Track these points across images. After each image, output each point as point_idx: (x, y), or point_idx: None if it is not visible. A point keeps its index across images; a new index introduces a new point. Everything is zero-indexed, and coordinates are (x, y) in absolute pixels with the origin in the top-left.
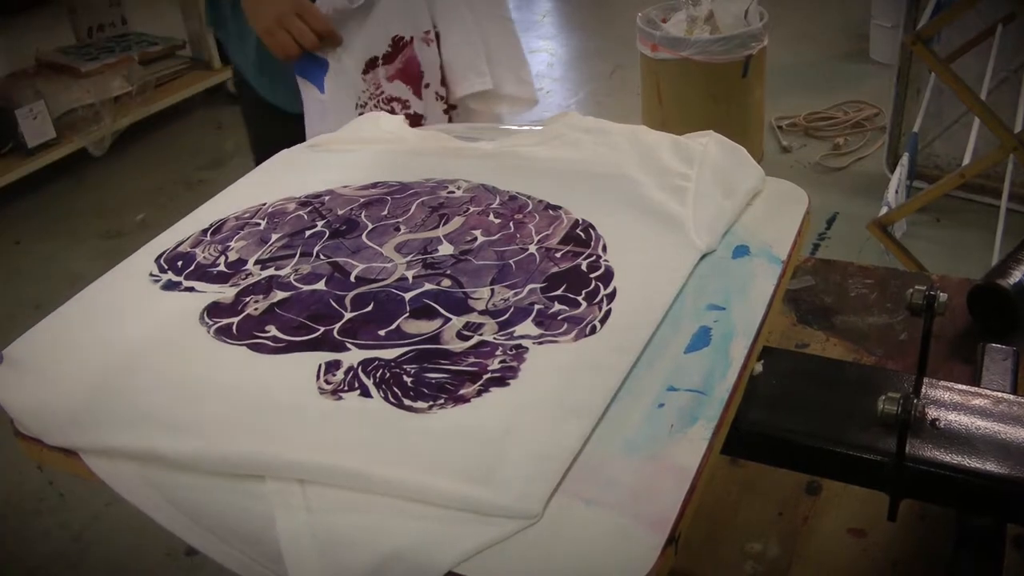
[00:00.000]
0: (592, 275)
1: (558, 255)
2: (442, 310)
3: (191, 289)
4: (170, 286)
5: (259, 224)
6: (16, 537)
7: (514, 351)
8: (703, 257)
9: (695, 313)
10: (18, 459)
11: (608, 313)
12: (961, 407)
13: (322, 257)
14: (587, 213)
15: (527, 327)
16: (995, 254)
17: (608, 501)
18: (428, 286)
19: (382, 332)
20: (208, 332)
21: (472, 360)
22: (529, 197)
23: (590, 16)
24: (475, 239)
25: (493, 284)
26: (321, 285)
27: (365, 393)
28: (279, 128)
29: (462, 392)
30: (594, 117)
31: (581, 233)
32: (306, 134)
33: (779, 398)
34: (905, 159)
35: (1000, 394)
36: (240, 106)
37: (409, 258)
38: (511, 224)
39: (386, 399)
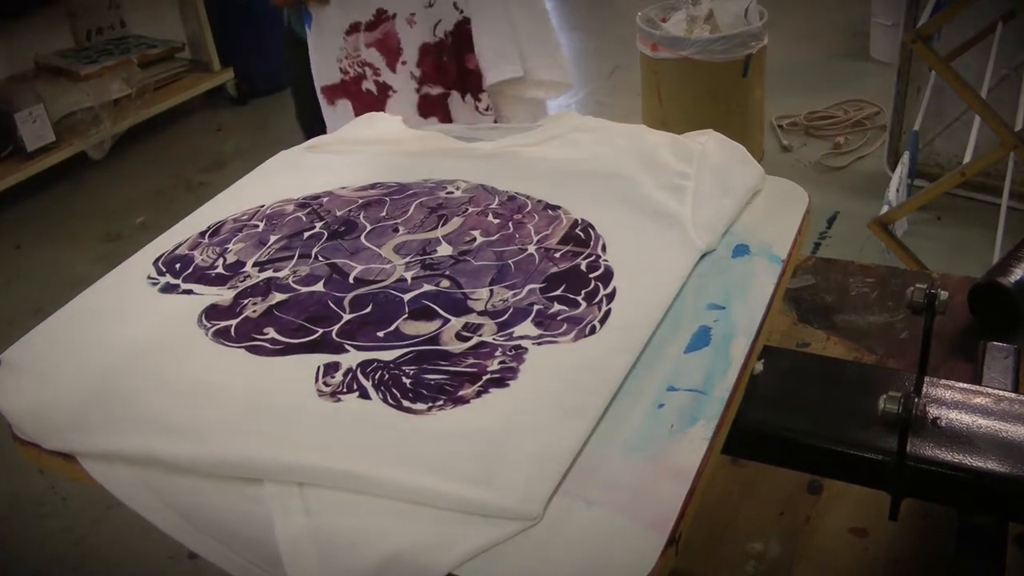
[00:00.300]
0: (591, 275)
1: (557, 255)
2: (441, 311)
3: (189, 291)
4: (168, 289)
5: (257, 226)
6: (18, 540)
7: (513, 352)
8: (703, 256)
9: (695, 313)
10: (20, 463)
11: (608, 313)
12: (962, 406)
13: (321, 259)
14: (586, 213)
15: (526, 327)
16: (996, 252)
17: (608, 502)
18: (427, 287)
19: (381, 333)
20: (206, 334)
21: (471, 361)
22: (528, 197)
23: (590, 16)
24: (474, 240)
25: (492, 285)
26: (320, 287)
27: (364, 395)
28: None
29: (461, 393)
30: (594, 117)
31: (580, 233)
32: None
33: (780, 397)
34: (906, 157)
35: (1001, 392)
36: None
37: (408, 259)
38: (510, 224)
39: (385, 401)
